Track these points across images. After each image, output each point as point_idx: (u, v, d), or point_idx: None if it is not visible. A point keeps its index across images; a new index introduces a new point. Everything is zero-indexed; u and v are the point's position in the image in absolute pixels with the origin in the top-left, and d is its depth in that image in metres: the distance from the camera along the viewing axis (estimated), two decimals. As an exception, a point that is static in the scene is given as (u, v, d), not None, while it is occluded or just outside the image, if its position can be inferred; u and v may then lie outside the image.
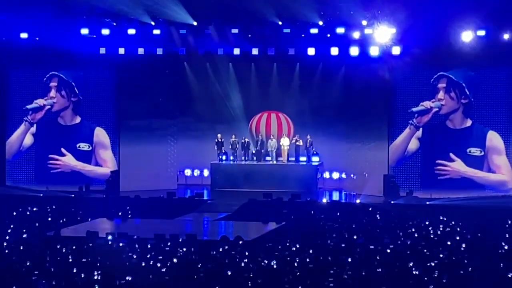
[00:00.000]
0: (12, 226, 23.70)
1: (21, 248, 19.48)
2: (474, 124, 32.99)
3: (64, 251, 19.11)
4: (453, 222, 24.25)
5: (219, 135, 34.91)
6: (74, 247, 19.56)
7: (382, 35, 31.35)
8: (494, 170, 32.98)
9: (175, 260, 17.65)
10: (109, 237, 21.57)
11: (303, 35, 32.41)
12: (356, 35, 31.66)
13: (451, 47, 31.24)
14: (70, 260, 17.73)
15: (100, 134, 35.10)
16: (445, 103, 32.87)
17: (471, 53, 31.25)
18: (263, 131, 35.46)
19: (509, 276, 15.77)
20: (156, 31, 32.67)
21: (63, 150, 35.03)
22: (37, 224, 24.68)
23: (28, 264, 16.97)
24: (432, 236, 22.00)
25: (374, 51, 31.94)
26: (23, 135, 35.21)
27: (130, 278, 15.47)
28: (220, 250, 19.32)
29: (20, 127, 35.17)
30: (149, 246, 19.80)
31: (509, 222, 24.44)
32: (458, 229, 23.05)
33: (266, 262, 17.40)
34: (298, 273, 16.05)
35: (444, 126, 33.11)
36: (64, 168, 35.04)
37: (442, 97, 32.81)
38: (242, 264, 17.19)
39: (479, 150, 32.91)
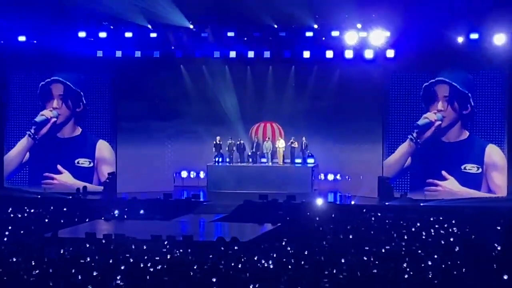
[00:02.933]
0: (10, 227, 23.67)
1: (19, 249, 19.47)
2: (471, 136, 30.50)
3: (62, 252, 19.10)
4: (446, 225, 24.22)
5: (217, 138, 34.83)
6: (71, 249, 19.56)
7: (377, 38, 31.38)
8: (494, 191, 29.97)
9: (171, 261, 17.66)
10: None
11: (298, 38, 32.46)
12: (351, 38, 31.66)
13: (444, 49, 30.77)
14: (68, 261, 17.72)
15: (104, 148, 33.67)
16: (446, 114, 30.64)
17: (465, 56, 30.84)
18: (259, 134, 35.41)
19: (503, 277, 15.77)
20: (153, 34, 32.71)
21: (59, 167, 33.42)
22: (33, 227, 24.58)
23: (26, 265, 16.94)
24: (426, 237, 21.99)
25: (368, 54, 31.95)
26: (24, 151, 33.44)
27: (125, 281, 15.47)
28: (216, 251, 19.35)
29: (20, 141, 33.71)
30: (145, 247, 19.81)
31: (498, 227, 24.19)
32: (451, 230, 23.03)
33: (262, 263, 17.41)
34: (293, 274, 16.05)
35: (436, 139, 31.05)
36: (60, 188, 32.87)
37: (443, 108, 30.54)
38: (239, 265, 17.19)
39: (476, 166, 30.04)
